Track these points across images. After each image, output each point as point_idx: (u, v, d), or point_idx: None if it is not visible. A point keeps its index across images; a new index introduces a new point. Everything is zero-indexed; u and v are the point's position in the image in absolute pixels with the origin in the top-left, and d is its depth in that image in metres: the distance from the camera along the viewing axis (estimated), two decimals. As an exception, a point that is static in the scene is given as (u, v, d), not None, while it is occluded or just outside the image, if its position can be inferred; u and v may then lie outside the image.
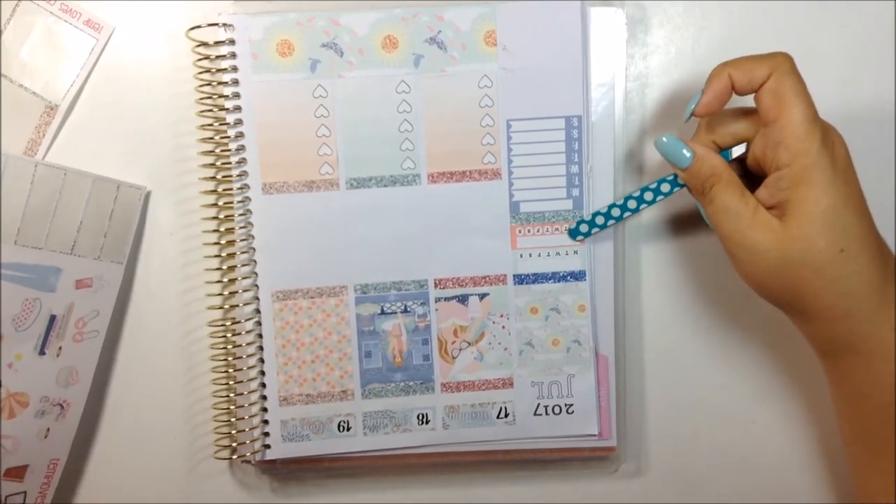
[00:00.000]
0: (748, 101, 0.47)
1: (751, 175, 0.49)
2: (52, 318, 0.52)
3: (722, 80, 0.46)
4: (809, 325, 0.48)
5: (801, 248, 0.44)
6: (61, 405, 0.53)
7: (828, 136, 0.44)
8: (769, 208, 0.46)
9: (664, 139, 0.48)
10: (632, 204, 0.52)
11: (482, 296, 0.54)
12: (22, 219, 0.50)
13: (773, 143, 0.45)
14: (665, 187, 0.51)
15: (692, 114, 0.47)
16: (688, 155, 0.47)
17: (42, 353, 0.52)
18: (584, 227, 0.53)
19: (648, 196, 0.51)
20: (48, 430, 0.53)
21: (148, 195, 0.54)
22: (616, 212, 0.52)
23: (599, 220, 0.53)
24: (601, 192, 0.53)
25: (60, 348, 0.52)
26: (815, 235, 0.44)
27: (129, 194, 0.53)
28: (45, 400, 0.52)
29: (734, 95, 0.46)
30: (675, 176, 0.50)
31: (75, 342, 0.53)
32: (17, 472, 0.52)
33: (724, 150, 0.48)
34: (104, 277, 0.53)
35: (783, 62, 0.45)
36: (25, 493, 0.53)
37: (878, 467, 0.48)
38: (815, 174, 0.44)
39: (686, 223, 0.56)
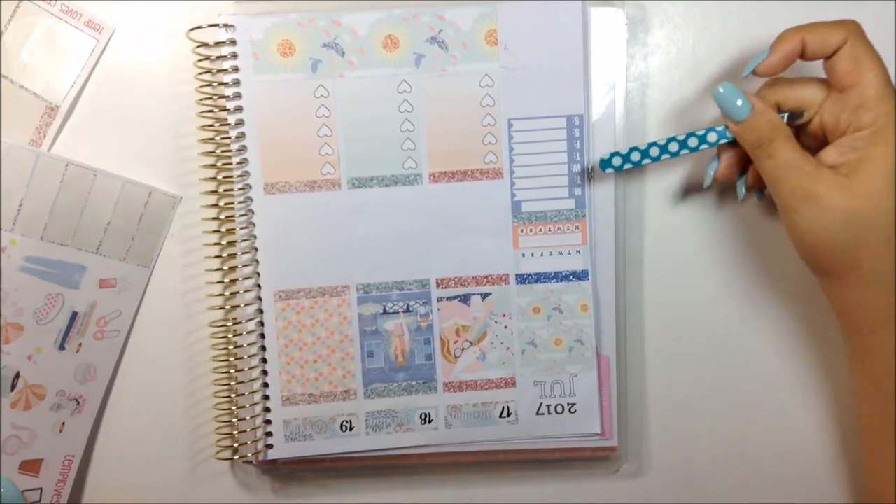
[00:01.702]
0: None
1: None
2: (74, 315, 0.53)
3: (793, 43, 0.46)
4: (852, 292, 0.47)
5: (870, 205, 0.44)
6: (77, 400, 0.53)
7: None
8: (832, 167, 0.46)
9: (722, 89, 0.47)
10: (673, 147, 0.50)
11: (484, 295, 0.54)
12: (49, 215, 0.51)
13: (851, 107, 0.45)
14: (712, 136, 0.49)
15: (753, 72, 0.47)
16: (745, 107, 0.47)
17: (62, 347, 0.53)
18: (616, 161, 0.51)
19: (693, 142, 0.50)
20: (63, 423, 0.53)
21: (179, 200, 0.54)
22: (654, 151, 0.50)
23: (635, 156, 0.51)
24: (603, 192, 0.53)
25: (80, 344, 0.53)
26: (885, 194, 0.44)
27: (162, 201, 0.54)
28: (61, 394, 0.53)
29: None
30: (725, 128, 0.49)
31: (96, 340, 0.53)
32: (33, 466, 0.52)
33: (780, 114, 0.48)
34: (129, 279, 0.54)
35: (856, 28, 0.46)
36: (41, 489, 0.53)
37: None
38: (893, 135, 0.44)
39: (687, 223, 0.56)
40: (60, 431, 0.53)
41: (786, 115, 0.48)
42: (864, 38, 0.45)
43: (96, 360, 0.54)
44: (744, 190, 0.51)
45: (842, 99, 0.46)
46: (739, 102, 0.47)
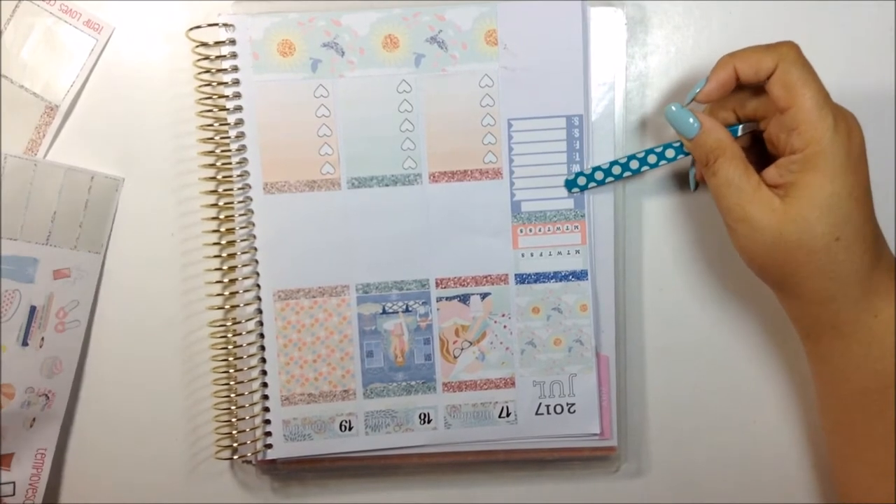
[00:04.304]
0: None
1: (762, 152, 0.50)
2: (33, 309, 0.52)
3: (726, 72, 0.47)
4: (794, 305, 0.49)
5: (799, 230, 0.45)
6: (47, 395, 0.53)
7: (842, 123, 0.45)
8: (775, 187, 0.46)
9: (673, 108, 0.49)
10: (634, 164, 0.52)
11: (484, 295, 0.54)
12: None
13: (786, 129, 0.46)
14: (669, 153, 0.51)
15: (693, 99, 0.48)
16: (695, 125, 0.48)
17: (25, 343, 0.52)
18: (581, 181, 0.53)
19: (652, 159, 0.51)
20: (34, 419, 0.53)
21: (122, 182, 0.54)
22: (616, 169, 0.52)
23: (598, 175, 0.53)
24: (602, 192, 0.53)
25: (43, 339, 0.53)
26: (814, 221, 0.45)
27: (104, 185, 0.53)
28: (30, 391, 0.53)
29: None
30: (682, 143, 0.50)
31: (57, 332, 0.53)
32: (4, 461, 0.53)
33: (733, 126, 0.49)
34: (82, 267, 0.53)
35: (788, 52, 0.45)
36: (14, 483, 0.53)
37: (858, 455, 0.48)
38: (825, 161, 0.44)
39: (688, 223, 0.56)
40: (31, 427, 0.53)
41: (739, 128, 0.49)
42: (799, 61, 0.45)
43: (60, 353, 0.53)
44: (694, 183, 0.53)
45: (782, 120, 0.46)
46: (689, 121, 0.48)
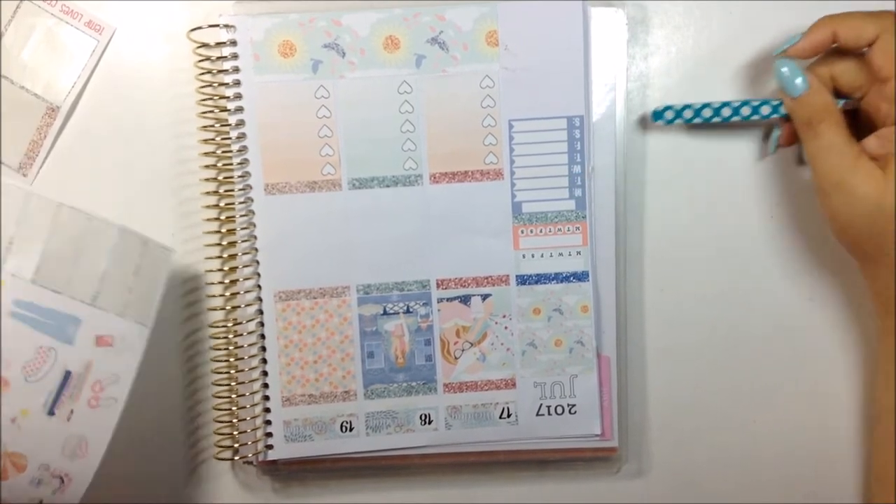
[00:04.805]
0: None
1: (855, 122, 0.49)
2: (68, 375, 0.46)
3: (823, 34, 0.47)
4: (881, 276, 0.48)
5: None
6: (62, 478, 0.47)
7: None
8: (872, 158, 0.46)
9: (784, 67, 0.48)
10: (726, 111, 0.51)
11: (484, 296, 0.54)
12: (41, 257, 0.46)
13: (889, 99, 0.45)
14: (765, 109, 0.51)
15: (783, 52, 0.48)
16: (802, 85, 0.47)
17: (51, 413, 0.46)
18: (669, 114, 0.52)
19: (745, 111, 0.51)
20: (40, 502, 0.47)
21: (172, 254, 0.50)
22: (707, 112, 0.52)
23: (687, 113, 0.52)
24: (603, 192, 0.53)
25: (72, 411, 0.47)
26: None
27: (156, 253, 0.49)
28: (44, 468, 0.46)
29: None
30: (780, 103, 0.50)
31: (90, 408, 0.47)
32: None
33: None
34: (127, 338, 0.48)
35: (891, 22, 0.45)
36: None
37: None
38: None
39: (689, 223, 0.56)
40: None
41: (841, 102, 0.48)
42: None
43: (88, 433, 0.47)
44: (775, 145, 0.52)
45: (882, 90, 0.46)
46: (798, 80, 0.47)
